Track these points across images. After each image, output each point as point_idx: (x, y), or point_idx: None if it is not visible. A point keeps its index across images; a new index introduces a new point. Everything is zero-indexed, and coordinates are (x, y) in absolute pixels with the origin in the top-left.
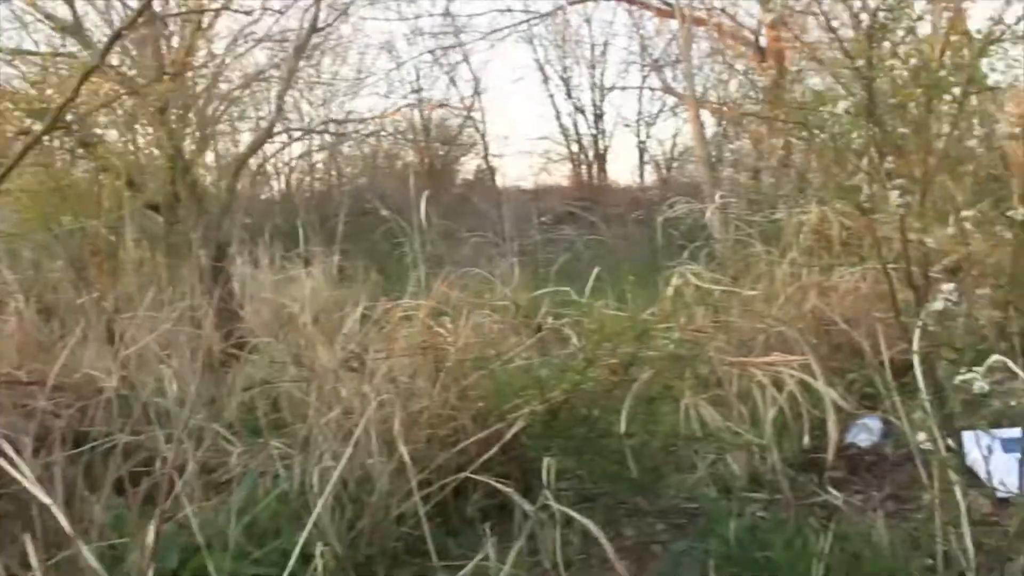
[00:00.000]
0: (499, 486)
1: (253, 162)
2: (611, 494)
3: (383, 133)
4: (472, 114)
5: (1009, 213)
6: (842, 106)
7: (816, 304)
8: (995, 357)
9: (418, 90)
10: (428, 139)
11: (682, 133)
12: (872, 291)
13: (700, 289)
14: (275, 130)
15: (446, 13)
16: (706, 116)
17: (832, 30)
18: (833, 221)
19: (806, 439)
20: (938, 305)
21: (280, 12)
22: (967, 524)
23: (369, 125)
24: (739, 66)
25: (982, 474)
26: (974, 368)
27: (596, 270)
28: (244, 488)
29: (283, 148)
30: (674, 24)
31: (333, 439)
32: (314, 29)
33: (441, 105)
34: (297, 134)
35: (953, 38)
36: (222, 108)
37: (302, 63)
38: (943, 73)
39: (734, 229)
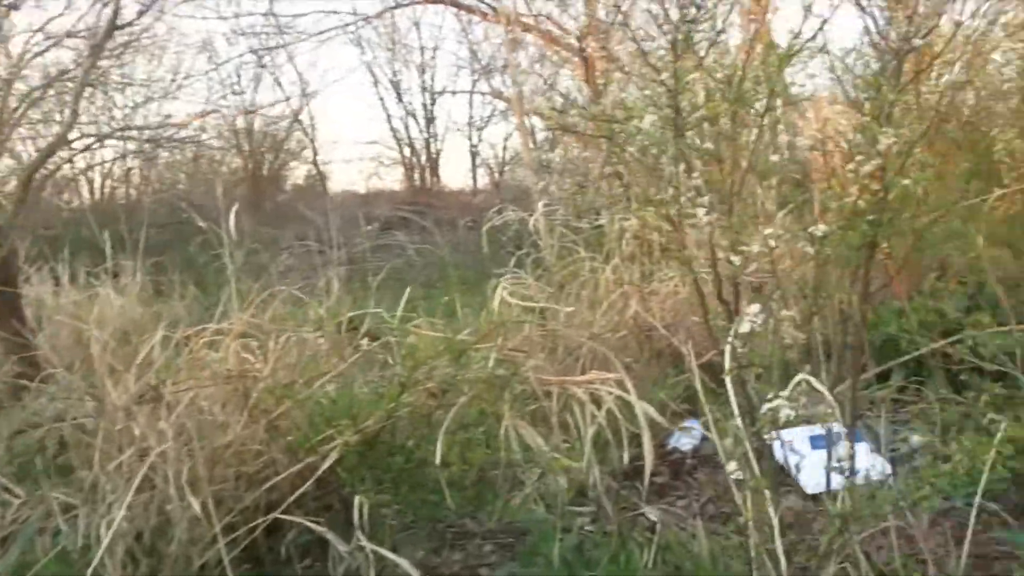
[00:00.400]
0: (311, 525)
1: (51, 169)
2: (437, 519)
3: (203, 138)
4: (300, 118)
5: (811, 229)
6: (648, 120)
7: (637, 310)
8: (800, 376)
9: (240, 92)
10: (252, 144)
11: (513, 137)
12: (691, 295)
13: (525, 299)
14: (74, 135)
15: (268, 12)
16: (537, 122)
17: (636, 41)
18: (653, 227)
19: (625, 457)
20: (745, 327)
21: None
22: (778, 533)
23: (185, 129)
24: (564, 73)
25: (793, 472)
26: (780, 393)
27: (408, 291)
28: (18, 548)
29: (78, 154)
30: (502, 29)
31: (125, 485)
32: (114, 26)
33: (250, 112)
34: (96, 139)
35: (757, 49)
36: (21, 110)
37: (108, 63)
38: (747, 86)
39: (559, 236)
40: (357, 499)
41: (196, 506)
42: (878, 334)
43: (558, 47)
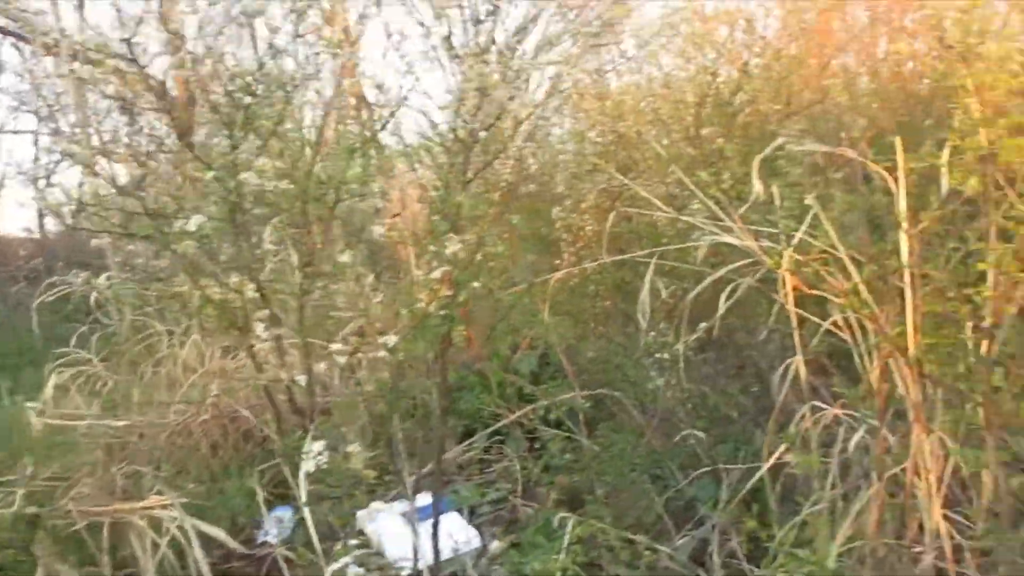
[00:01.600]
0: None
1: None
2: None
3: None
4: None
5: (381, 340)
6: (195, 221)
7: (219, 394)
8: (374, 505)
9: None
10: None
11: (86, 184)
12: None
13: (89, 382)
14: None
15: None
16: (118, 168)
17: (181, 136)
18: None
19: None
20: (310, 467)
21: None
22: None
23: None
24: (148, 117)
25: (388, 551)
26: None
27: None
28: None
29: None
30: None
31: None
32: None
33: None
34: None
35: (329, 133)
36: None
37: None
38: (315, 176)
39: (133, 306)
40: None
41: None
42: (461, 398)
43: (140, 88)
